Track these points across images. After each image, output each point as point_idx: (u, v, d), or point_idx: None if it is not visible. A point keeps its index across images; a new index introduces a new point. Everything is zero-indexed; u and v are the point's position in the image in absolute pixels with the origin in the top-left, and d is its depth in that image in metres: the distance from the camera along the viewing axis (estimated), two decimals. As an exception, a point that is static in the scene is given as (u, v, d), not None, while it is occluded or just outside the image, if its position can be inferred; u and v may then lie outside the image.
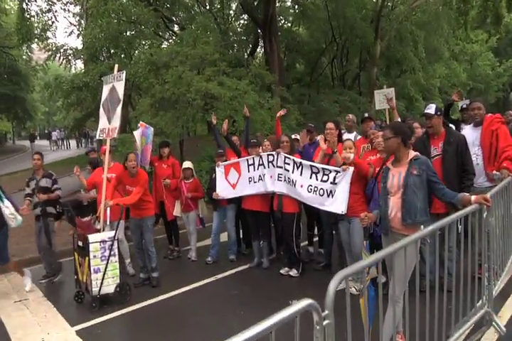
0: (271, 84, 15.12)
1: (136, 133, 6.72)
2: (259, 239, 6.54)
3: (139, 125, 6.91)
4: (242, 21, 23.30)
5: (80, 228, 5.78)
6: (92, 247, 5.34)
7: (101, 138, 6.48)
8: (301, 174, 5.70)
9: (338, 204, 5.23)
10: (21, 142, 43.97)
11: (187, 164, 7.12)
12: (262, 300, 5.18)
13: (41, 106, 48.23)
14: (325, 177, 5.43)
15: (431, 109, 4.90)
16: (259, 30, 18.73)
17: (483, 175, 5.10)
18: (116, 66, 6.55)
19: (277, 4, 20.23)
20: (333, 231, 5.97)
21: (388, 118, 9.84)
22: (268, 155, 6.19)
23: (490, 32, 27.68)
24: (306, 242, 6.96)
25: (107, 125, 6.22)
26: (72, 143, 35.54)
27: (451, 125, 6.70)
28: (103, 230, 5.74)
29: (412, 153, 3.70)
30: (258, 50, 23.02)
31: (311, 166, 5.60)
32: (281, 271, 6.15)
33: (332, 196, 5.34)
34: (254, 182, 6.35)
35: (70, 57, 17.55)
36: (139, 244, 6.13)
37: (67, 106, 17.84)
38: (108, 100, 6.29)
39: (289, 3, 23.78)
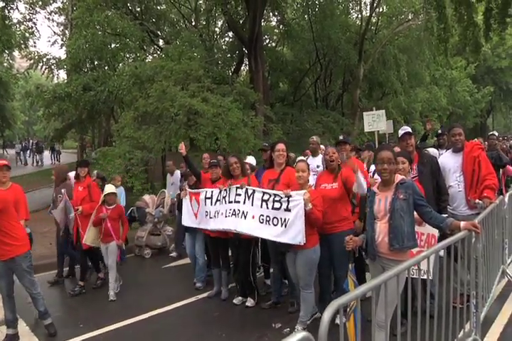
0: (255, 102, 15.11)
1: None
2: (218, 266, 6.05)
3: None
4: (227, 39, 23.46)
5: None
6: None
7: None
8: (252, 204, 5.08)
9: (294, 234, 4.57)
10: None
11: (110, 188, 6.28)
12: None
13: (21, 115, 47.39)
14: (277, 205, 4.79)
15: (408, 129, 5.10)
16: (244, 48, 18.81)
17: (464, 202, 4.96)
18: None
19: (262, 23, 20.38)
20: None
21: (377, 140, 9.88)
22: (224, 190, 5.51)
23: (468, 59, 28.43)
24: (263, 274, 6.38)
25: None
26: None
27: (429, 149, 6.80)
28: None
29: (399, 177, 3.67)
30: (242, 68, 23.10)
31: (263, 193, 4.99)
32: (235, 301, 5.69)
33: (285, 225, 4.67)
34: (210, 217, 5.69)
35: (52, 67, 17.33)
36: (9, 291, 4.77)
37: (47, 116, 17.48)
38: None
39: (274, 23, 24.04)
